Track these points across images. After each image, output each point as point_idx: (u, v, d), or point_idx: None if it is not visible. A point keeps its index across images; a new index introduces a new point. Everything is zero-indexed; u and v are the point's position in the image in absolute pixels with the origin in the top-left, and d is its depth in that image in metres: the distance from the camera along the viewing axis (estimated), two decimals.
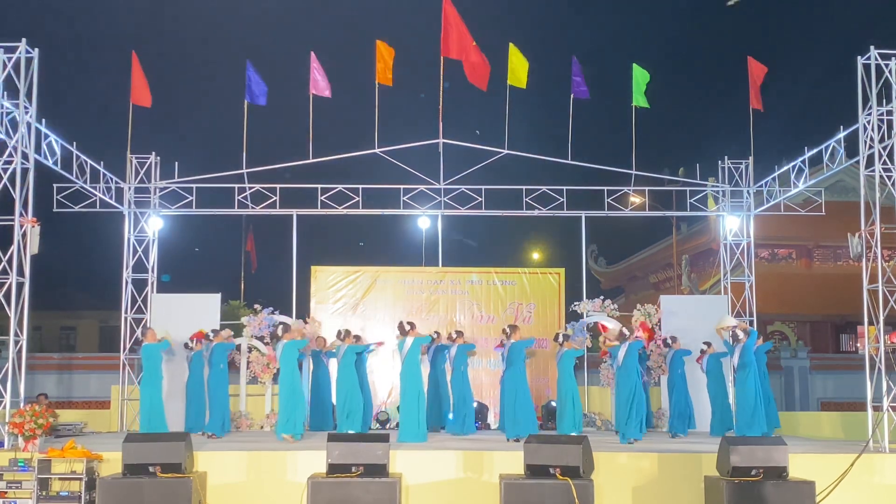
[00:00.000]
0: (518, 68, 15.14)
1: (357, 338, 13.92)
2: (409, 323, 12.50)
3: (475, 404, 14.20)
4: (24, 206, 11.21)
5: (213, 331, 13.72)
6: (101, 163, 14.89)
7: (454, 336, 13.90)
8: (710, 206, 16.86)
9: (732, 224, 16.47)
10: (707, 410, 14.03)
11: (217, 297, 15.58)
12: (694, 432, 13.84)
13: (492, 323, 15.78)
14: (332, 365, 14.41)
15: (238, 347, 14.76)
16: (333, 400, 14.58)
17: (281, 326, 12.66)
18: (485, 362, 15.46)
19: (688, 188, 16.36)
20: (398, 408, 12.46)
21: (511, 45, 15.13)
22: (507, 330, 12.66)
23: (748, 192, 16.19)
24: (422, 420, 12.02)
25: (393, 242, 29.88)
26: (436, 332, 14.30)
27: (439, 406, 13.94)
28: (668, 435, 13.65)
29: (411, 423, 11.90)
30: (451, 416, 13.67)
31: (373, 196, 15.97)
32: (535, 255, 40.63)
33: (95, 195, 14.90)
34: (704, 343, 14.07)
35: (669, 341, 14.15)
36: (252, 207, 15.81)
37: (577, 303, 15.88)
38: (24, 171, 11.34)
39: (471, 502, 9.95)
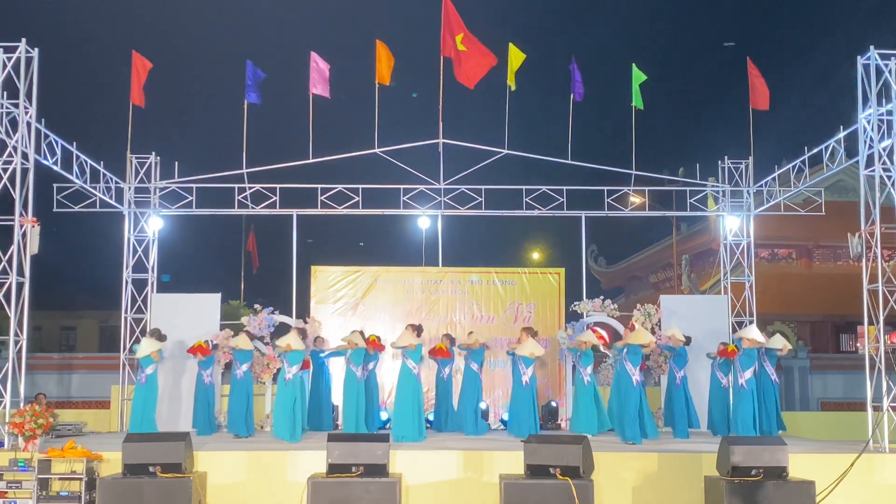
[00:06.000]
0: (514, 69, 15.12)
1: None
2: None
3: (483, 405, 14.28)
4: (24, 206, 11.23)
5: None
6: (101, 163, 14.88)
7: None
8: (710, 206, 16.85)
9: (732, 224, 16.46)
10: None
11: (217, 297, 15.55)
12: (694, 432, 13.84)
13: (492, 323, 15.78)
14: (333, 365, 14.42)
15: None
16: (333, 400, 14.60)
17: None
18: (485, 362, 15.41)
19: (688, 188, 16.35)
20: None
21: (511, 45, 15.12)
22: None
23: (748, 192, 16.18)
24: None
25: (393, 242, 29.86)
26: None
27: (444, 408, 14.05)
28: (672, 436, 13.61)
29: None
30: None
31: (373, 196, 15.96)
32: (535, 255, 40.65)
33: (95, 195, 14.89)
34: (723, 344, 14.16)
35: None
36: (252, 207, 15.81)
37: (577, 303, 15.87)
38: (24, 171, 11.36)
39: (471, 502, 9.96)
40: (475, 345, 13.77)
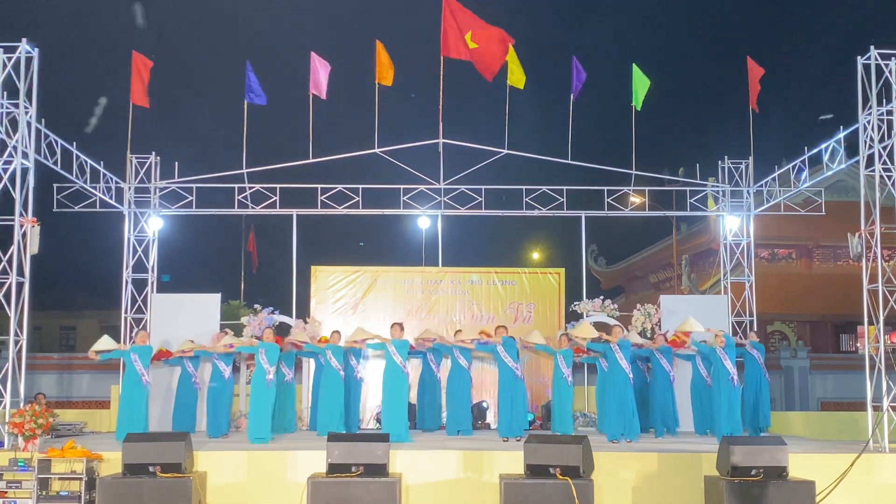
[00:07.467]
0: (517, 69, 15.14)
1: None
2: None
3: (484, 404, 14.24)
4: (24, 206, 11.23)
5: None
6: (101, 163, 14.89)
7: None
8: (710, 206, 16.86)
9: (732, 224, 16.46)
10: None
11: (217, 297, 15.54)
12: (688, 432, 13.83)
13: (492, 323, 15.75)
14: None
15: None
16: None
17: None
18: (485, 362, 15.42)
19: (688, 188, 16.36)
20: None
21: (510, 45, 15.11)
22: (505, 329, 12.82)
23: (748, 192, 16.19)
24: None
25: (393, 242, 29.90)
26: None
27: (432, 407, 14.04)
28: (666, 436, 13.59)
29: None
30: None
31: (373, 196, 15.97)
32: (535, 255, 40.66)
33: (95, 195, 14.90)
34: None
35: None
36: (252, 207, 15.81)
37: (577, 303, 15.88)
38: (24, 171, 11.37)
39: (471, 502, 9.96)
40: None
